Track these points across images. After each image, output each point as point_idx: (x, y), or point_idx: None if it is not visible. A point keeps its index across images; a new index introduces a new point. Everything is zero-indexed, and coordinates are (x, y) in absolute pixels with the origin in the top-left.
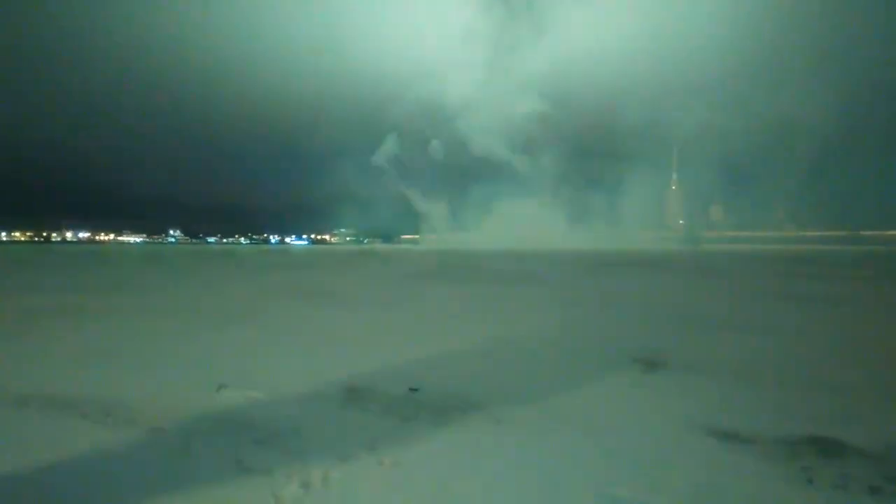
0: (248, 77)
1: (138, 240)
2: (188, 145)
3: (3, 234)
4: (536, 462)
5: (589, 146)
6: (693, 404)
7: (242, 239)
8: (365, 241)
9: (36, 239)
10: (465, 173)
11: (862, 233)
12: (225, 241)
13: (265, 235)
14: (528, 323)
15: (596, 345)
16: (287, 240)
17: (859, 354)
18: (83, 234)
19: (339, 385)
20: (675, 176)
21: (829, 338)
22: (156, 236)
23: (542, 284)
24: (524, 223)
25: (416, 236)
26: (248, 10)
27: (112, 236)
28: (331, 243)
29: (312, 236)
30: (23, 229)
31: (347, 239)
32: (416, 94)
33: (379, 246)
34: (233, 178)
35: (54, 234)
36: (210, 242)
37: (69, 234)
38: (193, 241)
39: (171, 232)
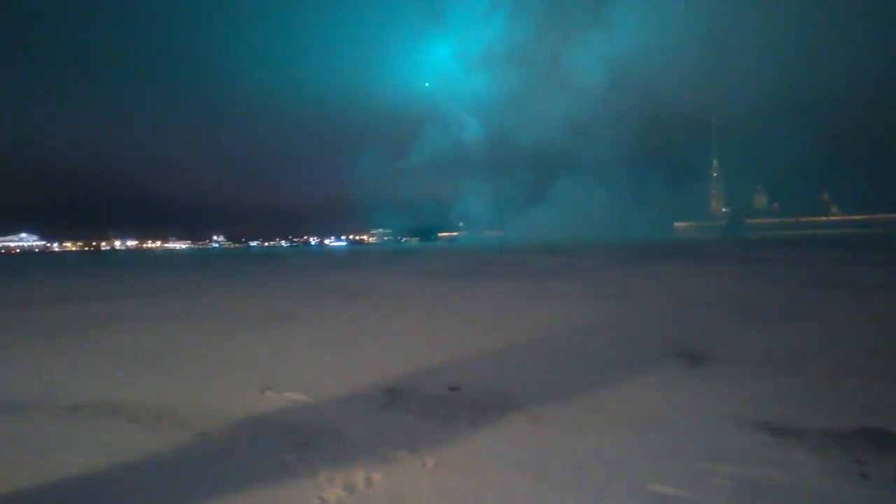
0: (283, 82)
1: (184, 246)
2: (230, 152)
3: (56, 244)
4: (577, 460)
5: (638, 134)
6: (740, 397)
7: (283, 242)
8: (402, 240)
9: (86, 249)
10: (503, 167)
11: None
12: (266, 244)
13: (305, 238)
14: (568, 319)
15: (638, 339)
16: (326, 241)
17: None
18: (131, 243)
19: (379, 386)
20: (715, 163)
21: (878, 326)
22: (200, 242)
23: (580, 278)
24: (568, 216)
25: (455, 233)
26: (284, 11)
27: (159, 243)
28: (369, 243)
29: (351, 237)
30: (73, 240)
31: (385, 238)
32: (453, 85)
33: (416, 244)
34: (273, 183)
35: (103, 244)
36: (252, 247)
37: (118, 243)
38: (236, 245)
39: (215, 237)
